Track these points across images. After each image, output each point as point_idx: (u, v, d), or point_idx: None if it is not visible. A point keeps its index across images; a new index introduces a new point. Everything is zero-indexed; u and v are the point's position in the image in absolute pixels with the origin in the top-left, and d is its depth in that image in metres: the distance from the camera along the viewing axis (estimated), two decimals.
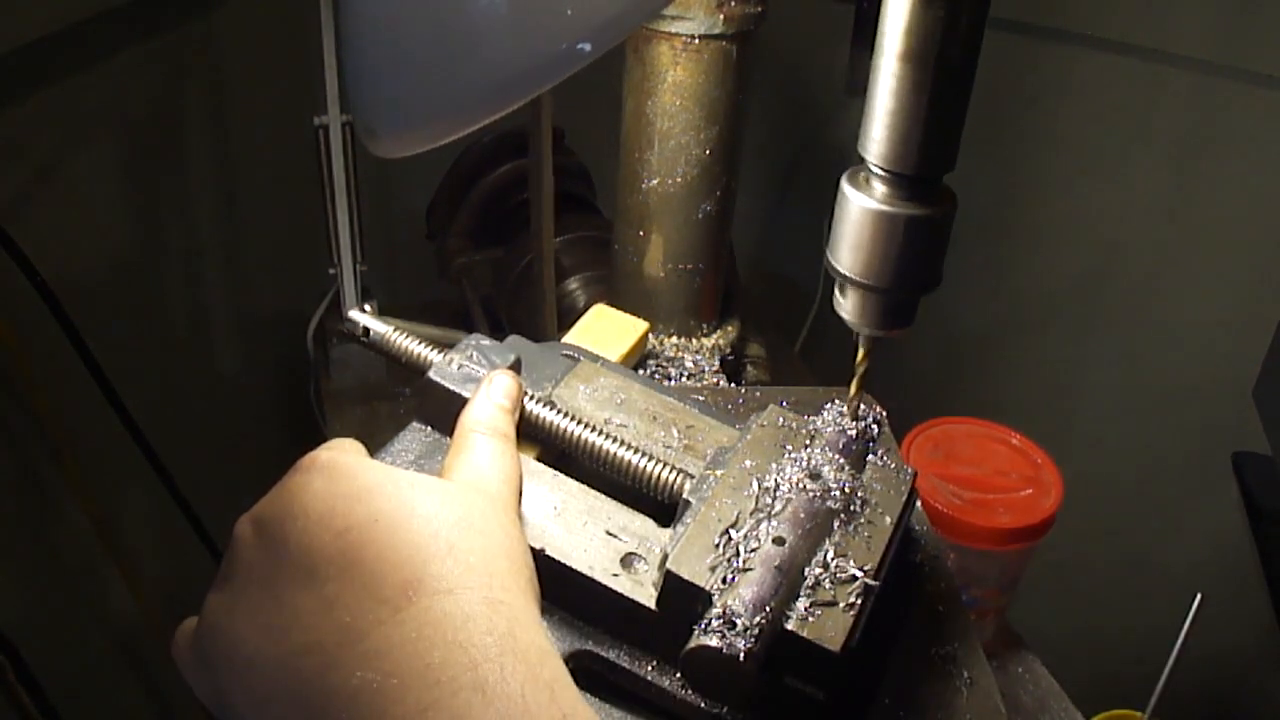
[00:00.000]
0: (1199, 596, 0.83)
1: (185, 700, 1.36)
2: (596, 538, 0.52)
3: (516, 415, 0.55)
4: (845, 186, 0.49)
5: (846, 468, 0.54)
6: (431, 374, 0.58)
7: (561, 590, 0.51)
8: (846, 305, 0.51)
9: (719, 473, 0.54)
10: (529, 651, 0.39)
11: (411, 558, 0.41)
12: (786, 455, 0.55)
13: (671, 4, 0.89)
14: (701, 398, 0.66)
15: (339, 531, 0.41)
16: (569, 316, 1.09)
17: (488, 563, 0.43)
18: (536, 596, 0.45)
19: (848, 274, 0.50)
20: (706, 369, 1.05)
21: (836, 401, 0.57)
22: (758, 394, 0.74)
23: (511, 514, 0.48)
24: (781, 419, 0.58)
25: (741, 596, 0.46)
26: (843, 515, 0.52)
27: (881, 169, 0.47)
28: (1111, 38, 1.30)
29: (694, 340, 1.08)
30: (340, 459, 0.45)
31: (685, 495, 0.54)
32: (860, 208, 0.48)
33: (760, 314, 1.29)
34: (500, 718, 0.37)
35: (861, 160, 0.48)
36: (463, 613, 0.40)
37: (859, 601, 0.48)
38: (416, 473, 0.46)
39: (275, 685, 0.39)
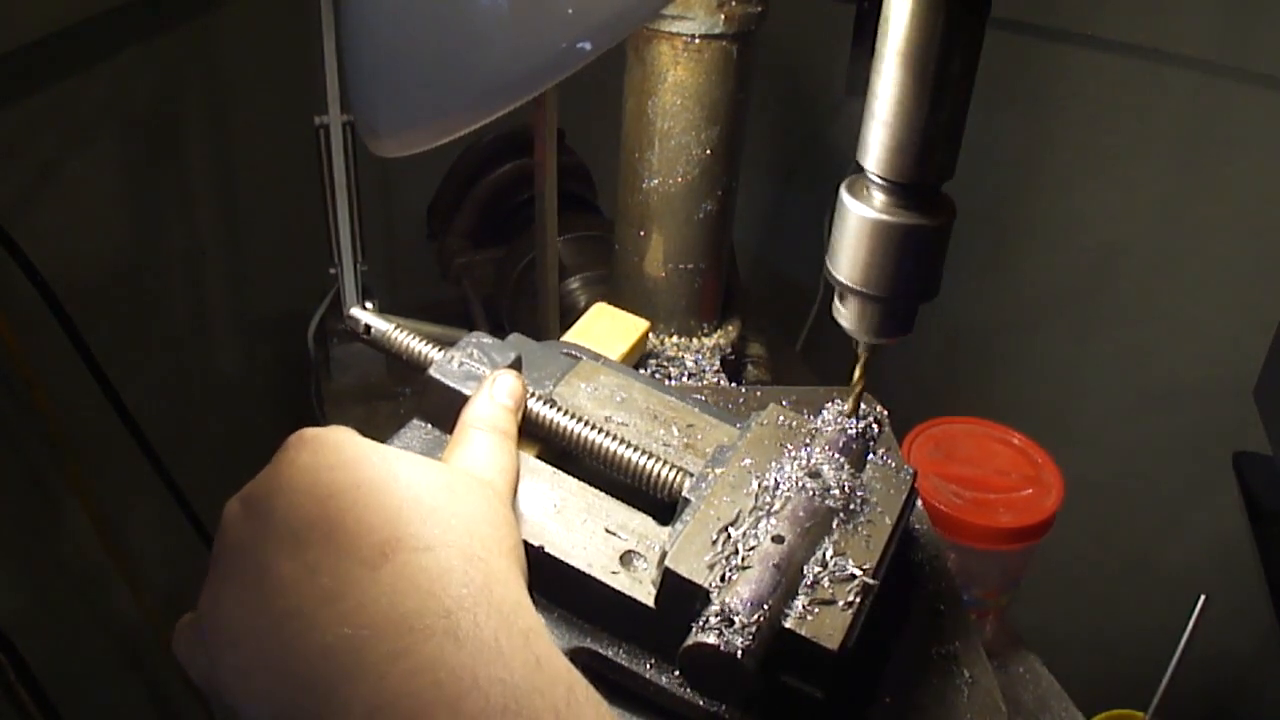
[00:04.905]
0: (1203, 597, 0.83)
1: (186, 700, 1.36)
2: (596, 535, 0.52)
3: (519, 415, 0.56)
4: (844, 195, 0.49)
5: (846, 467, 0.54)
6: (432, 371, 0.58)
7: (560, 588, 0.51)
8: (845, 313, 0.52)
9: (718, 471, 0.54)
10: (504, 604, 0.40)
11: (392, 519, 0.41)
12: (786, 454, 0.55)
13: (672, 4, 0.89)
14: (702, 397, 0.66)
15: (322, 499, 0.42)
16: (570, 316, 1.09)
17: (469, 525, 0.43)
18: (521, 566, 0.45)
19: (847, 282, 0.50)
20: (707, 368, 1.05)
21: (837, 401, 0.58)
22: (758, 393, 0.74)
23: (505, 501, 0.48)
24: (782, 418, 0.58)
25: (740, 594, 0.46)
26: (842, 514, 0.52)
27: (880, 178, 0.47)
28: (1111, 38, 1.30)
29: (694, 340, 1.08)
30: (327, 434, 0.45)
31: (685, 493, 0.54)
32: (859, 217, 0.48)
33: (761, 313, 1.29)
34: (473, 660, 0.37)
35: (860, 169, 0.49)
36: (439, 567, 0.40)
37: (858, 600, 0.48)
38: (404, 450, 0.46)
39: (259, 655, 0.39)
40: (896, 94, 0.45)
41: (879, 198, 0.48)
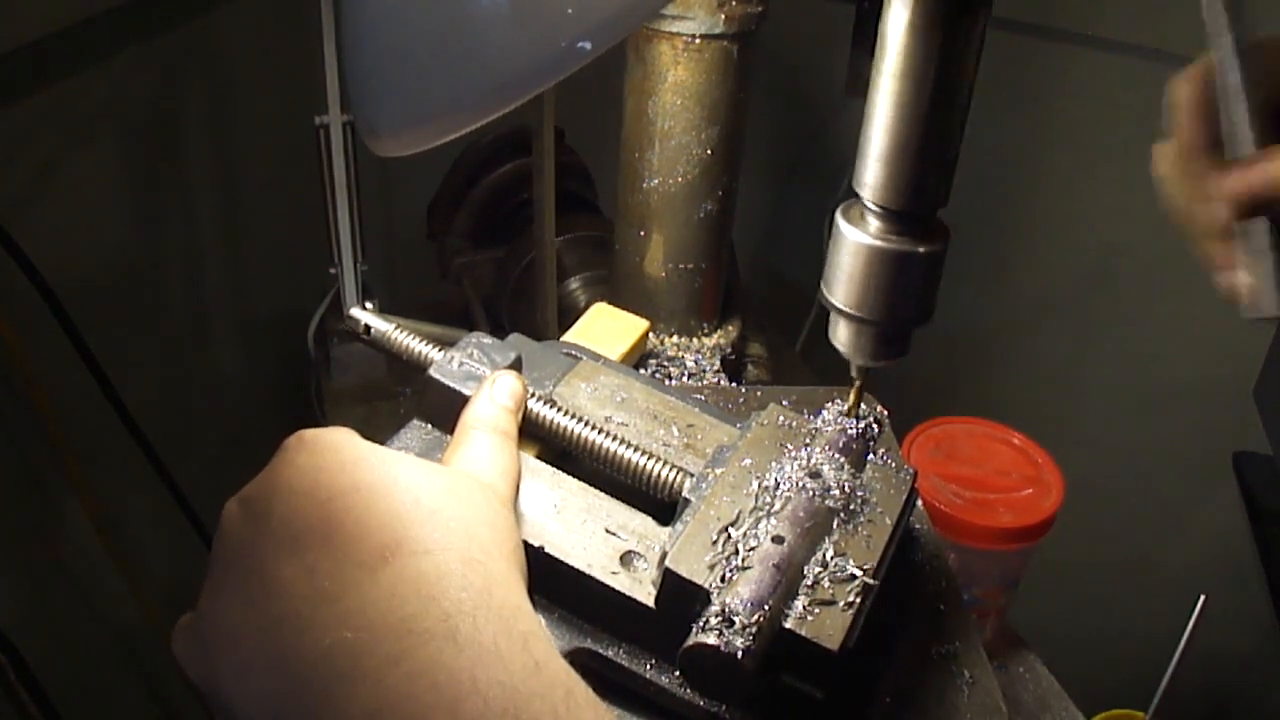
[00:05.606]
0: (1203, 597, 0.83)
1: (185, 700, 1.36)
2: (596, 535, 0.52)
3: (520, 416, 0.56)
4: (840, 221, 0.50)
5: (846, 467, 0.54)
6: (432, 371, 0.58)
7: (560, 588, 0.51)
8: (841, 337, 0.53)
9: (719, 471, 0.54)
10: (504, 607, 0.40)
11: (391, 523, 0.41)
12: (786, 454, 0.55)
13: (672, 3, 0.89)
14: (702, 397, 0.66)
15: (322, 501, 0.42)
16: (570, 316, 1.09)
17: (468, 528, 0.43)
18: (522, 569, 0.45)
19: (842, 307, 0.51)
20: (707, 368, 1.05)
21: (837, 401, 0.58)
22: (758, 393, 0.74)
23: (506, 503, 0.48)
24: (782, 418, 0.58)
25: (740, 594, 0.46)
26: (842, 514, 0.52)
27: (876, 205, 0.48)
28: (1111, 37, 1.30)
29: (695, 340, 1.08)
30: (326, 435, 0.45)
31: (685, 493, 0.54)
32: (855, 242, 0.49)
33: (761, 313, 1.29)
34: (472, 664, 0.37)
35: (856, 195, 0.49)
36: (438, 570, 0.40)
37: (858, 600, 0.48)
38: (404, 450, 0.46)
39: (255, 656, 0.39)
40: (891, 124, 0.46)
41: (874, 224, 0.49)
